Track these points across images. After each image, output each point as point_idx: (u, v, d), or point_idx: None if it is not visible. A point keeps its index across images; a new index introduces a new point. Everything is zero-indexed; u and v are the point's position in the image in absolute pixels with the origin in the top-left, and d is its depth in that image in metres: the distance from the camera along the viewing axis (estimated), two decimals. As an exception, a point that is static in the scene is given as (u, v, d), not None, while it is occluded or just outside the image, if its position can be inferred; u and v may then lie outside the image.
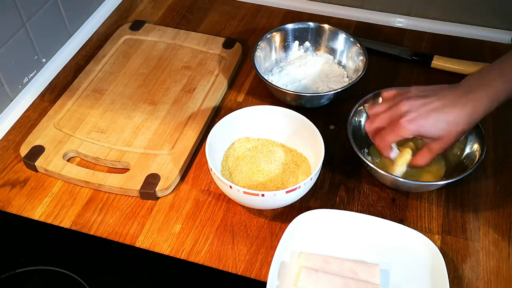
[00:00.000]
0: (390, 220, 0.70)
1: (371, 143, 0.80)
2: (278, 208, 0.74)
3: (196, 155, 0.82)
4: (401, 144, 0.74)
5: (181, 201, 0.75)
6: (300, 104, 0.85)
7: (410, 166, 0.72)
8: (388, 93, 0.72)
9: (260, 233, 0.71)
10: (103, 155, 0.79)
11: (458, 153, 0.76)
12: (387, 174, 0.70)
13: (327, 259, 0.66)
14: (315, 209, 0.70)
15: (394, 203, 0.75)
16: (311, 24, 0.93)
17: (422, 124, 0.65)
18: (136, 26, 1.02)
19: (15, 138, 0.84)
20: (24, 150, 0.80)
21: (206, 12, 1.09)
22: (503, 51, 0.96)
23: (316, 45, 0.94)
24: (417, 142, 0.75)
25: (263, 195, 0.66)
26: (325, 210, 0.70)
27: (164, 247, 0.70)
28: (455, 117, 0.65)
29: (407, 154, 0.71)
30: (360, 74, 0.84)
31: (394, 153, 0.71)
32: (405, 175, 0.71)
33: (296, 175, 0.75)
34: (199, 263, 0.68)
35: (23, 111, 0.88)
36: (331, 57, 0.93)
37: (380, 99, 0.76)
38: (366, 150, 0.79)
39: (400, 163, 0.71)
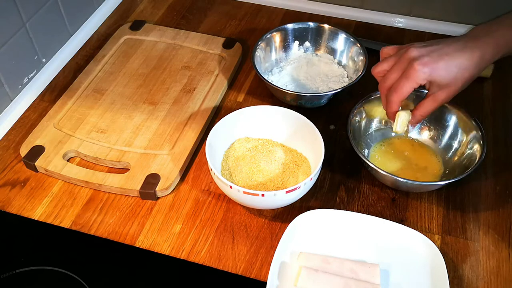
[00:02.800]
0: (390, 220, 0.70)
1: (371, 143, 0.80)
2: (278, 208, 0.74)
3: (196, 155, 0.82)
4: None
5: (181, 201, 0.75)
6: (300, 104, 0.85)
7: (411, 122, 0.71)
8: (388, 48, 0.71)
9: (260, 233, 0.71)
10: (103, 155, 0.79)
11: (458, 153, 0.77)
12: (387, 174, 0.70)
13: (327, 259, 0.66)
14: (315, 209, 0.70)
15: (394, 203, 0.75)
16: (311, 24, 0.93)
17: (435, 68, 0.63)
18: (136, 26, 1.02)
19: (15, 138, 0.84)
20: (24, 150, 0.80)
21: (206, 12, 1.09)
22: (503, 51, 0.97)
23: (316, 45, 0.94)
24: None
25: (263, 195, 0.66)
26: (325, 210, 0.70)
27: (164, 247, 0.70)
28: (464, 61, 0.64)
29: (405, 113, 0.70)
30: (360, 74, 0.84)
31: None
32: (404, 173, 0.71)
33: (296, 175, 0.75)
34: (199, 263, 0.68)
35: (23, 111, 0.88)
36: (331, 57, 0.93)
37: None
38: (366, 150, 0.79)
39: (400, 121, 0.70)
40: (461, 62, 0.64)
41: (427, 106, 0.68)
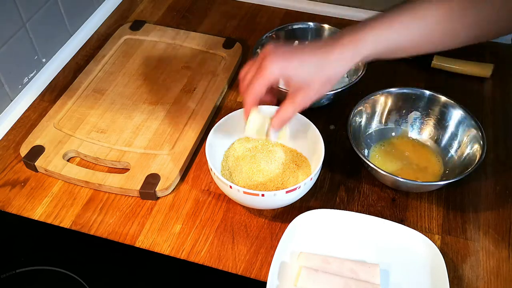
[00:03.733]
0: (390, 220, 0.70)
1: (371, 143, 0.80)
2: (278, 208, 0.74)
3: (196, 155, 0.82)
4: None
5: (181, 201, 0.75)
6: (300, 104, 0.85)
7: (273, 126, 0.66)
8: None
9: (260, 233, 0.71)
10: (103, 155, 0.79)
11: (458, 153, 0.77)
12: (387, 174, 0.70)
13: (327, 259, 0.66)
14: (315, 209, 0.70)
15: (394, 203, 0.75)
16: (311, 24, 0.93)
17: (286, 65, 0.60)
18: (136, 26, 1.02)
19: (15, 138, 0.84)
20: (24, 150, 0.80)
21: (206, 12, 1.09)
22: (503, 51, 0.97)
23: (316, 45, 0.94)
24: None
25: (263, 195, 0.66)
26: (325, 210, 0.70)
27: (164, 247, 0.70)
28: (321, 60, 0.61)
29: (257, 115, 0.66)
30: (360, 74, 0.84)
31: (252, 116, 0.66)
32: (404, 173, 0.71)
33: (296, 175, 0.75)
34: (199, 263, 0.68)
35: (23, 111, 0.88)
36: (331, 57, 0.93)
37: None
38: (366, 151, 0.79)
39: (251, 124, 0.66)
40: (316, 61, 0.61)
41: (285, 109, 0.64)
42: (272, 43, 0.65)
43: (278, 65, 0.61)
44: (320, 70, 0.61)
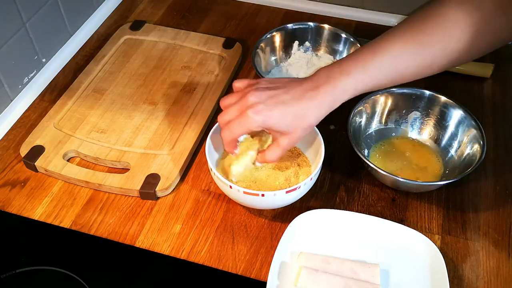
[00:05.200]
0: (390, 220, 0.70)
1: (371, 143, 0.80)
2: (278, 208, 0.74)
3: (196, 155, 0.82)
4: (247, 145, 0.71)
5: (181, 201, 0.75)
6: (300, 104, 0.85)
7: (258, 162, 0.69)
8: (239, 83, 0.69)
9: (260, 233, 0.72)
10: (103, 155, 0.79)
11: (458, 153, 0.77)
12: (387, 174, 0.70)
13: (327, 259, 0.66)
14: (315, 209, 0.70)
15: (394, 203, 0.75)
16: (311, 24, 0.93)
17: (269, 116, 0.62)
18: (136, 26, 1.02)
19: (15, 138, 0.84)
20: (24, 150, 0.80)
21: (206, 12, 1.09)
22: (502, 51, 0.97)
23: (316, 45, 0.94)
24: (264, 143, 0.71)
25: (263, 195, 0.66)
26: (325, 210, 0.70)
27: (164, 247, 0.70)
28: (301, 110, 0.63)
29: (250, 152, 0.69)
30: (360, 74, 0.83)
31: (238, 150, 0.69)
32: (404, 173, 0.71)
33: (297, 175, 0.75)
34: (199, 263, 0.68)
35: (23, 111, 0.88)
36: (331, 57, 0.93)
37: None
38: (366, 151, 0.79)
39: (240, 161, 0.69)
40: (296, 111, 0.63)
41: (272, 153, 0.67)
42: (255, 81, 0.67)
43: (261, 117, 0.63)
44: (301, 120, 0.64)
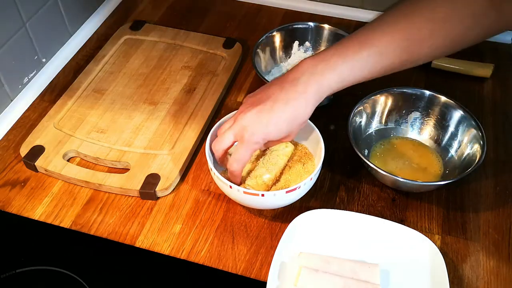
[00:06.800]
0: (390, 220, 0.69)
1: (371, 143, 0.80)
2: (278, 208, 0.74)
3: (196, 155, 0.82)
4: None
5: (181, 201, 0.75)
6: (300, 104, 0.84)
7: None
8: (225, 123, 0.71)
9: (260, 233, 0.71)
10: (103, 155, 0.79)
11: (458, 153, 0.77)
12: (387, 174, 0.70)
13: (327, 259, 0.66)
14: (315, 209, 0.70)
15: (394, 203, 0.75)
16: (311, 24, 0.93)
17: (267, 132, 0.65)
18: (136, 26, 1.02)
19: (15, 138, 0.84)
20: (24, 150, 0.80)
21: (206, 12, 1.09)
22: (503, 51, 0.97)
23: (316, 45, 0.94)
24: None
25: (263, 195, 0.66)
26: (325, 210, 0.70)
27: (164, 247, 0.70)
28: (292, 113, 0.65)
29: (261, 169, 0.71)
30: (360, 74, 0.83)
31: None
32: (404, 173, 0.71)
33: (299, 175, 0.75)
34: (199, 263, 0.68)
35: (23, 111, 0.88)
36: (331, 57, 0.93)
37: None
38: (366, 150, 0.79)
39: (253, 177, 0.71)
40: (287, 116, 0.65)
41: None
42: (246, 103, 0.68)
43: (260, 136, 0.65)
44: (294, 121, 0.66)
